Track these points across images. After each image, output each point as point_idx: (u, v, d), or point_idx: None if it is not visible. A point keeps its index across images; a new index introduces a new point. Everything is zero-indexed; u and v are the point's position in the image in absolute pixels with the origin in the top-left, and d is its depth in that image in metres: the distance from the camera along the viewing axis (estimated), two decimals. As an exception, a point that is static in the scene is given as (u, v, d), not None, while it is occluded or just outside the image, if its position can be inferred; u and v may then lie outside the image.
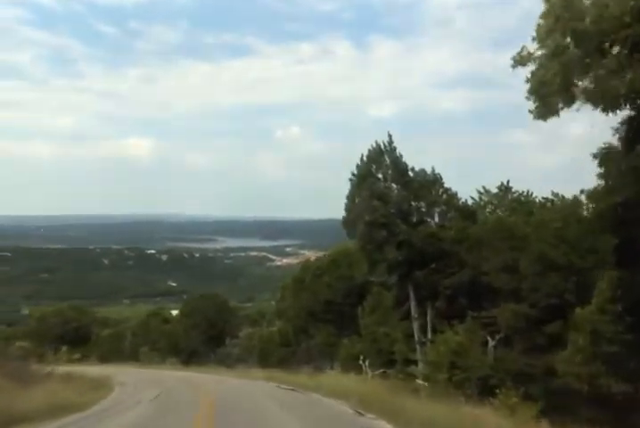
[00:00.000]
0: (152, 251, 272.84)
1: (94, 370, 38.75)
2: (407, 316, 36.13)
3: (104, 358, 69.25)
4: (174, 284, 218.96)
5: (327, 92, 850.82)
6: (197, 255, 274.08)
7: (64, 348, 74.48)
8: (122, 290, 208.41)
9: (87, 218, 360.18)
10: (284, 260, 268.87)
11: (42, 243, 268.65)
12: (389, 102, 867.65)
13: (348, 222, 37.25)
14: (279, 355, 47.15)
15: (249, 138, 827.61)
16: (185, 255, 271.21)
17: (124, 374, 40.17)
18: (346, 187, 37.32)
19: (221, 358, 58.68)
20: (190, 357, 62.51)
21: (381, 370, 32.27)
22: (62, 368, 31.03)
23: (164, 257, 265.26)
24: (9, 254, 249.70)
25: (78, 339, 74.66)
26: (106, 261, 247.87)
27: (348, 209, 37.27)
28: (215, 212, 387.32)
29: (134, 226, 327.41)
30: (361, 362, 33.06)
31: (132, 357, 67.14)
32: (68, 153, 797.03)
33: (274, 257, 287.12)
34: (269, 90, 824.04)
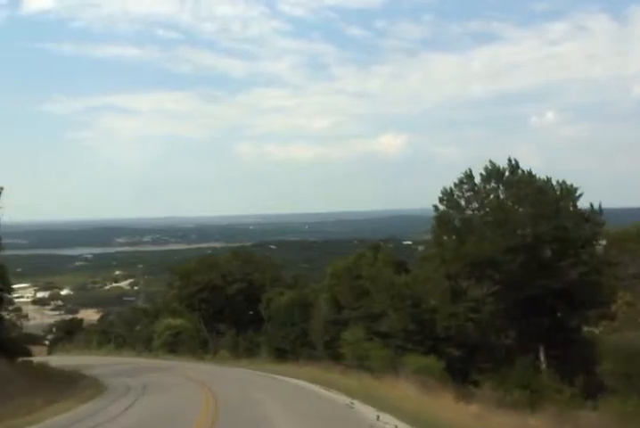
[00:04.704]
0: (409, 242, 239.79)
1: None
2: None
3: (281, 353, 30.77)
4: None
5: (584, 72, 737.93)
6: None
7: (224, 328, 37.27)
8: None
9: (348, 215, 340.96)
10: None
11: (305, 237, 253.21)
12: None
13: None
14: None
15: (501, 127, 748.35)
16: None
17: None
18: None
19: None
20: (466, 359, 20.44)
21: None
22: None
23: (420, 247, 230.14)
24: (274, 247, 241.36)
25: (250, 312, 37.33)
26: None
27: None
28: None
29: (390, 221, 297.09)
30: None
31: (327, 350, 27.50)
32: (326, 154, 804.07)
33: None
34: (521, 75, 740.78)
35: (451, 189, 22.69)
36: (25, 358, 35.50)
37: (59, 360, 45.19)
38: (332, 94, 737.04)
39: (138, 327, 48.86)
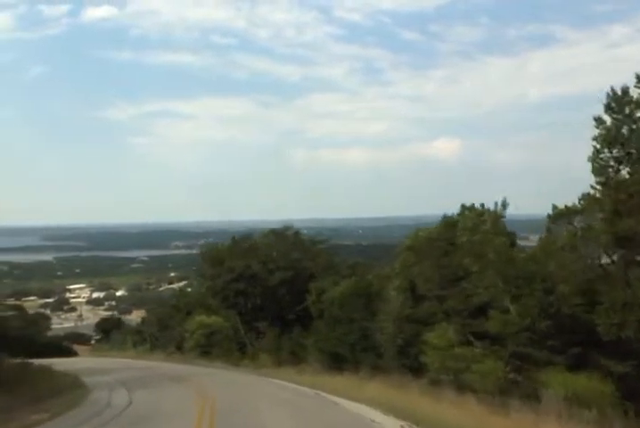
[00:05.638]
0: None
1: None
2: None
3: (335, 359, 22.22)
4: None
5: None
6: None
7: (264, 327, 29.61)
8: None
9: (402, 220, 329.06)
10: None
11: (359, 241, 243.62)
12: None
13: None
14: None
15: (560, 132, 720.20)
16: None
17: None
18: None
19: None
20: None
21: None
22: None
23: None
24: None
25: (297, 307, 29.08)
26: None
27: None
28: (525, 211, 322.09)
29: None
30: None
31: (401, 357, 18.78)
32: (380, 158, 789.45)
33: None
34: (579, 79, 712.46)
35: (625, 90, 13.66)
36: (26, 360, 28.96)
37: (76, 362, 38.67)
38: (387, 99, 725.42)
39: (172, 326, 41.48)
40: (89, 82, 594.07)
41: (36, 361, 31.69)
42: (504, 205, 15.71)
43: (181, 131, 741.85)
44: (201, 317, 34.68)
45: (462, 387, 16.27)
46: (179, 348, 38.15)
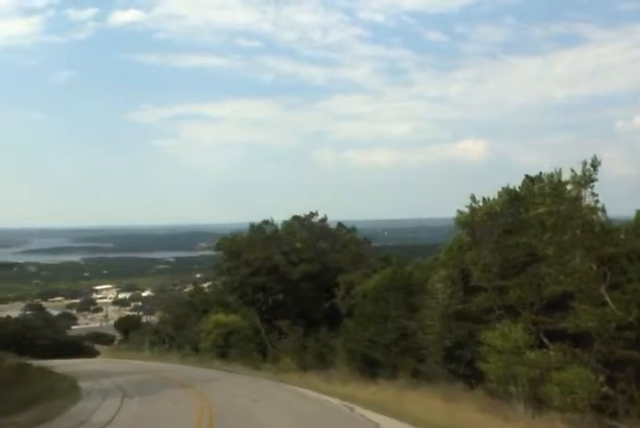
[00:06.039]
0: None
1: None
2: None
3: (367, 363, 18.58)
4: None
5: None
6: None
7: (286, 326, 26.09)
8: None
9: (426, 221, 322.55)
10: None
11: (385, 244, 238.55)
12: None
13: None
14: None
15: (586, 132, 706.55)
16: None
17: None
18: None
19: None
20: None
21: None
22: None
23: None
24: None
25: (324, 304, 25.75)
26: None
27: None
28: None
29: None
30: None
31: (449, 363, 15.06)
32: (405, 160, 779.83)
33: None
34: (606, 79, 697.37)
35: None
36: (25, 361, 26.34)
37: (86, 363, 35.91)
38: (412, 100, 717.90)
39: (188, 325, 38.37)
40: (116, 85, 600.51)
41: (44, 362, 29.04)
42: (595, 165, 11.94)
43: (207, 134, 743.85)
44: (218, 316, 31.45)
45: (533, 402, 12.66)
46: (196, 349, 35.08)
